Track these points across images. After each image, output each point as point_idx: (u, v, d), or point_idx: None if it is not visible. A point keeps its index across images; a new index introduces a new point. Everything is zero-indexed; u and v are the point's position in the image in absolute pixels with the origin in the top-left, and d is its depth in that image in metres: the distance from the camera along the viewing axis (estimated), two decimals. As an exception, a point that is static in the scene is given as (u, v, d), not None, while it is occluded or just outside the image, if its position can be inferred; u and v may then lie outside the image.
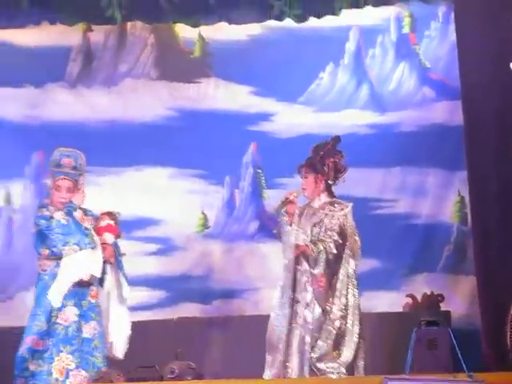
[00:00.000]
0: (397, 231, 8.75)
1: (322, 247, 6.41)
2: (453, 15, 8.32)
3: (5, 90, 8.47)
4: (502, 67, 7.44)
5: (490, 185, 7.75)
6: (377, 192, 8.68)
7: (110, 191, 8.21)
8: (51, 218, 5.73)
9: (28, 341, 5.63)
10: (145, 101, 8.71)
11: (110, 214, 6.26)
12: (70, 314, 5.72)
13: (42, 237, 5.74)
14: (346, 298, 6.46)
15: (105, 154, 8.09)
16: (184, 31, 8.62)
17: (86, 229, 5.82)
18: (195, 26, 8.38)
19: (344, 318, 6.47)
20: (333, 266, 6.51)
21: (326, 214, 6.55)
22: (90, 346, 5.76)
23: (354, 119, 8.79)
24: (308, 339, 6.40)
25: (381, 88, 8.95)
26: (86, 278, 5.73)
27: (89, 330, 5.75)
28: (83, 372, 5.68)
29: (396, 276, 8.63)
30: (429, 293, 8.47)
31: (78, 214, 5.86)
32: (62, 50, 8.62)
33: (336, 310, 6.49)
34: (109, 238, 6.02)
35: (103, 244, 5.94)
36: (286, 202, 6.58)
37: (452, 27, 8.41)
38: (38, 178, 8.29)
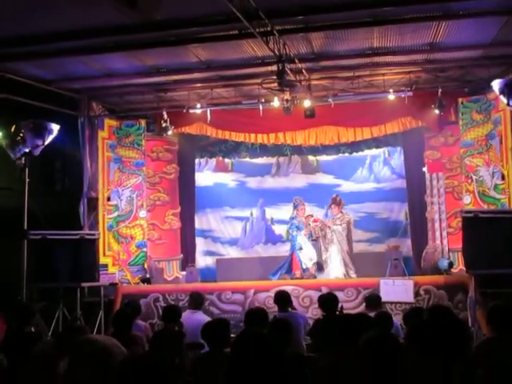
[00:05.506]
0: (380, 222, 16.36)
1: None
2: (403, 151, 16.29)
3: (250, 178, 17.65)
4: (419, 169, 15.19)
5: (415, 208, 15.60)
6: (376, 210, 16.42)
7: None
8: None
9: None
10: (297, 181, 17.26)
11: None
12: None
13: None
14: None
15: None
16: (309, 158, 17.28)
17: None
18: (315, 156, 17.17)
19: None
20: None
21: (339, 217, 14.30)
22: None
23: (368, 186, 16.54)
24: None
25: (378, 176, 16.66)
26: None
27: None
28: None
29: (382, 238, 16.13)
30: (393, 245, 15.04)
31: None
32: (268, 166, 17.73)
33: None
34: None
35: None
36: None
37: (402, 154, 16.30)
38: (261, 207, 17.09)
